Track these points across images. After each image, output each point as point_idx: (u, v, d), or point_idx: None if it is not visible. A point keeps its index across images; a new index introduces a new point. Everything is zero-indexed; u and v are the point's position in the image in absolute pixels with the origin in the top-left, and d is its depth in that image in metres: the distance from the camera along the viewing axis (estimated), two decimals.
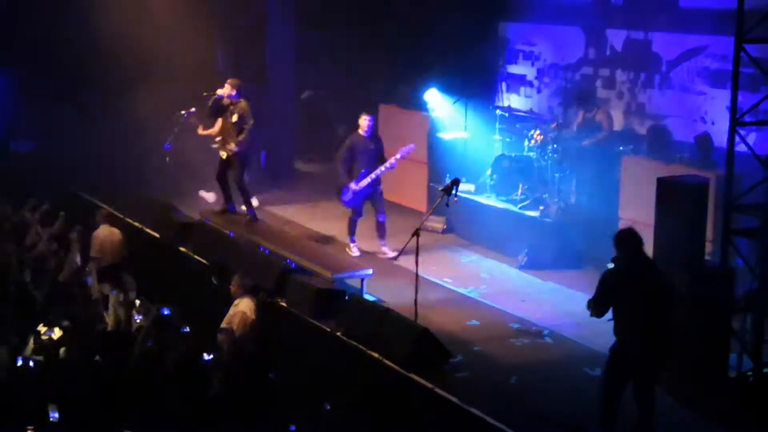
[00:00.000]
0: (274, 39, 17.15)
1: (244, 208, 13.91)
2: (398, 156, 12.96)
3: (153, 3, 16.28)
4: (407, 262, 11.77)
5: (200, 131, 14.50)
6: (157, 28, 16.06)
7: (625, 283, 8.22)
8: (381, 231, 13.35)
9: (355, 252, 13.27)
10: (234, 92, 13.41)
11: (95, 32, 17.02)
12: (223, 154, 13.60)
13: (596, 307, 8.30)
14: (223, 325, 10.87)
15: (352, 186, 13.06)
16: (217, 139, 13.65)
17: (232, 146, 13.41)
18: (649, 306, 8.20)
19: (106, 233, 12.94)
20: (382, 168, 13.06)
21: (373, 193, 13.16)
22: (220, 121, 13.66)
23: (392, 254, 12.79)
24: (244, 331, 10.72)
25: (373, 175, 13.01)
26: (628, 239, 8.31)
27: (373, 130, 13.21)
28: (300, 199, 16.12)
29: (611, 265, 8.33)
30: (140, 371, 9.42)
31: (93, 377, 8.99)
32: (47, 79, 17.94)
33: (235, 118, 13.37)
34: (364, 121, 13.09)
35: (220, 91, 13.43)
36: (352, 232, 13.40)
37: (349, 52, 17.44)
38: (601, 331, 10.54)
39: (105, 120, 16.71)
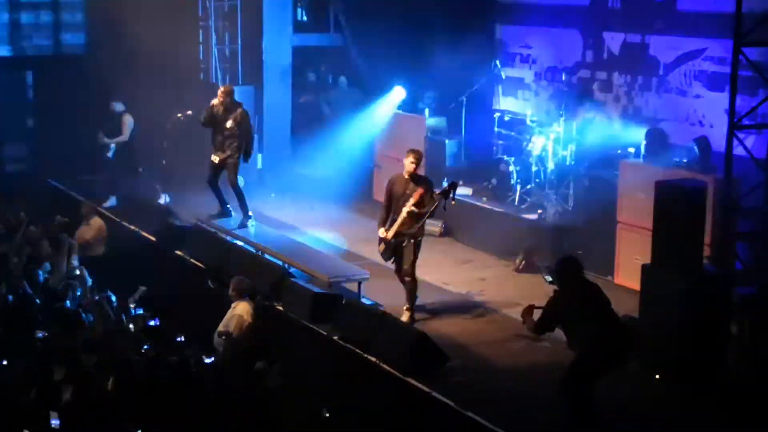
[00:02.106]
0: (271, 42, 17.12)
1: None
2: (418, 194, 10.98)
3: (150, 7, 16.24)
4: None
5: None
6: (154, 30, 16.02)
7: (580, 304, 8.54)
8: (407, 293, 11.31)
9: (404, 317, 11.17)
10: (228, 99, 13.35)
11: (93, 34, 17.02)
12: (215, 159, 13.54)
13: (541, 329, 8.71)
14: (220, 328, 10.85)
15: (381, 233, 11.19)
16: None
17: (227, 152, 13.36)
18: (609, 312, 8.62)
19: (100, 224, 13.21)
20: (404, 212, 10.96)
21: (404, 244, 11.11)
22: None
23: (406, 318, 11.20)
24: (241, 334, 10.70)
25: (398, 222, 11.02)
26: (575, 265, 8.66)
27: (414, 170, 11.15)
28: (297, 203, 16.07)
29: (547, 276, 8.91)
30: (136, 375, 9.36)
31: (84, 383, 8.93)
32: (48, 81, 17.94)
33: (230, 123, 13.31)
34: (406, 161, 11.15)
35: (214, 101, 13.36)
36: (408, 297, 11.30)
37: (345, 55, 17.41)
38: None
39: (101, 122, 16.64)
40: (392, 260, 11.30)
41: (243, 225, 13.67)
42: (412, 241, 11.07)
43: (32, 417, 8.13)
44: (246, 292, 11.15)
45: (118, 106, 15.94)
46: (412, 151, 11.27)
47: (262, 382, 9.23)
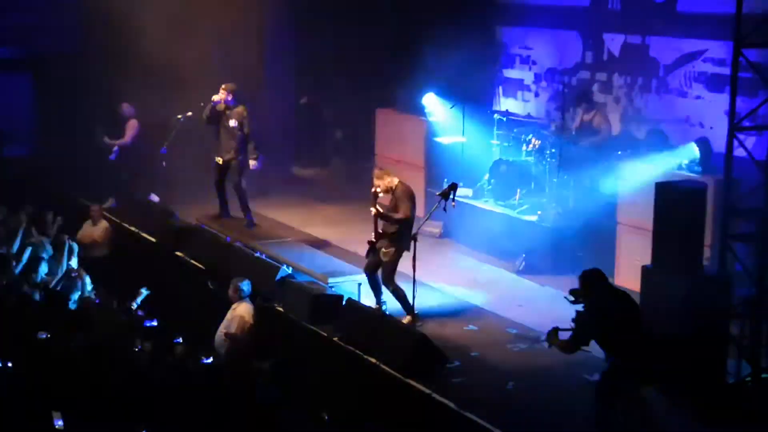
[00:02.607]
0: (272, 43, 17.12)
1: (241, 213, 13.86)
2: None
3: (149, 8, 16.23)
4: (405, 267, 11.71)
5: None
6: (154, 33, 16.01)
7: (611, 315, 8.51)
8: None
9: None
10: (230, 97, 13.30)
11: (93, 35, 17.01)
12: (219, 160, 13.50)
13: (576, 346, 8.58)
14: (221, 329, 10.85)
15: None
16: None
17: (231, 153, 13.32)
18: (639, 321, 8.63)
19: (106, 226, 13.30)
20: (372, 211, 11.12)
21: (378, 253, 11.20)
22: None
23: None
24: (242, 335, 10.70)
25: (379, 229, 11.17)
26: (601, 276, 8.65)
27: (388, 186, 11.14)
28: (297, 204, 16.08)
29: (569, 296, 8.70)
30: (136, 376, 9.37)
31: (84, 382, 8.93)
32: (47, 83, 17.94)
33: (232, 123, 13.27)
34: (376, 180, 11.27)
35: (215, 97, 13.34)
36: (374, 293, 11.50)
37: (347, 56, 17.41)
38: None
39: (101, 124, 16.65)
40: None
41: (244, 226, 13.66)
42: (386, 250, 11.05)
43: (35, 417, 8.13)
44: (246, 294, 11.15)
45: (127, 109, 15.94)
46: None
47: (263, 384, 9.22)
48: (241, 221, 13.85)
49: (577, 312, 8.64)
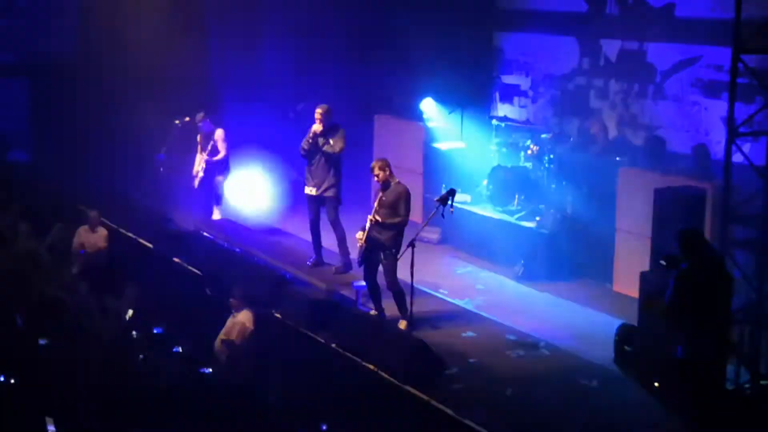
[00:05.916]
0: (270, 50, 17.12)
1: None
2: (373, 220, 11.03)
3: (147, 12, 16.24)
4: (403, 273, 11.70)
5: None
6: (150, 36, 16.02)
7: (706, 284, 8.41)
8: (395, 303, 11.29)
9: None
10: (327, 119, 12.26)
11: (93, 39, 17.02)
12: (313, 191, 12.54)
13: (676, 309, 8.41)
14: (222, 336, 10.84)
15: (357, 236, 11.24)
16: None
17: (331, 181, 12.50)
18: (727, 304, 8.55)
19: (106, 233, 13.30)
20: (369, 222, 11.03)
21: (376, 256, 11.16)
22: None
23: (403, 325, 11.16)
24: (243, 342, 10.70)
25: (367, 228, 11.07)
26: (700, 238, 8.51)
27: (386, 178, 11.12)
28: (296, 210, 16.03)
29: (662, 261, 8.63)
30: (135, 383, 9.36)
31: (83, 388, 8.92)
32: (47, 87, 17.94)
33: (336, 144, 12.33)
34: (373, 167, 11.22)
35: (315, 127, 12.22)
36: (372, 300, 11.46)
37: (345, 62, 17.41)
38: (598, 343, 10.58)
39: (101, 129, 16.64)
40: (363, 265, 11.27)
41: (343, 270, 12.65)
42: (387, 252, 11.01)
43: (29, 422, 8.12)
44: (248, 300, 11.15)
45: (206, 123, 14.74)
46: (376, 159, 11.39)
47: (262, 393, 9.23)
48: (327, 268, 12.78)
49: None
